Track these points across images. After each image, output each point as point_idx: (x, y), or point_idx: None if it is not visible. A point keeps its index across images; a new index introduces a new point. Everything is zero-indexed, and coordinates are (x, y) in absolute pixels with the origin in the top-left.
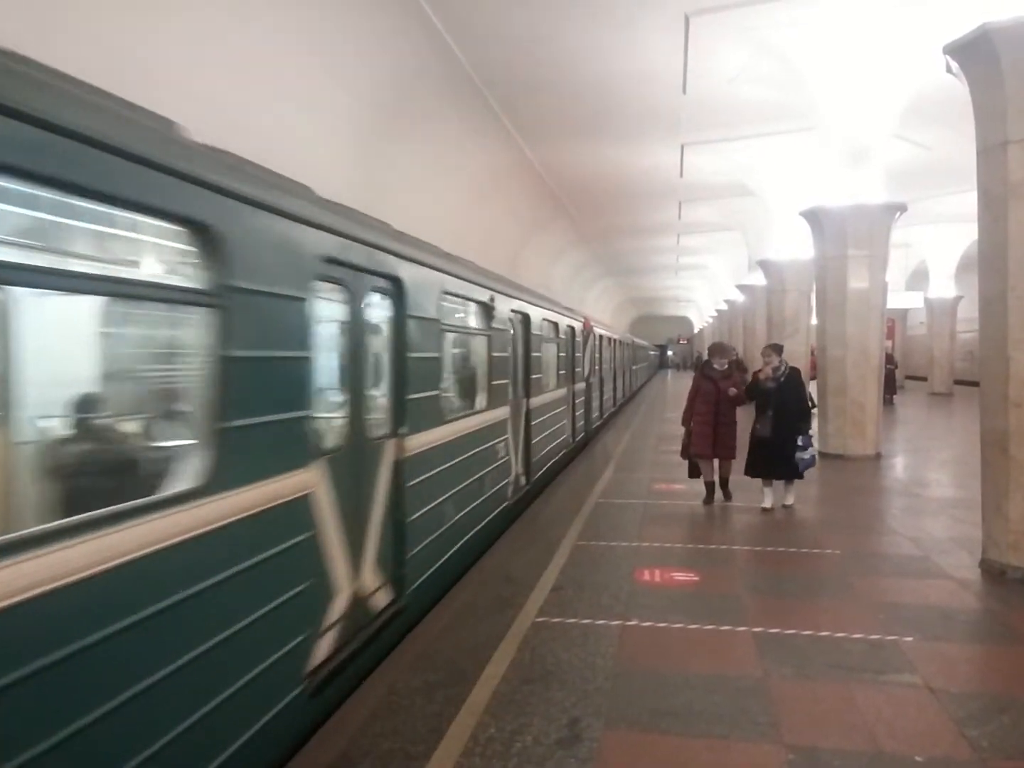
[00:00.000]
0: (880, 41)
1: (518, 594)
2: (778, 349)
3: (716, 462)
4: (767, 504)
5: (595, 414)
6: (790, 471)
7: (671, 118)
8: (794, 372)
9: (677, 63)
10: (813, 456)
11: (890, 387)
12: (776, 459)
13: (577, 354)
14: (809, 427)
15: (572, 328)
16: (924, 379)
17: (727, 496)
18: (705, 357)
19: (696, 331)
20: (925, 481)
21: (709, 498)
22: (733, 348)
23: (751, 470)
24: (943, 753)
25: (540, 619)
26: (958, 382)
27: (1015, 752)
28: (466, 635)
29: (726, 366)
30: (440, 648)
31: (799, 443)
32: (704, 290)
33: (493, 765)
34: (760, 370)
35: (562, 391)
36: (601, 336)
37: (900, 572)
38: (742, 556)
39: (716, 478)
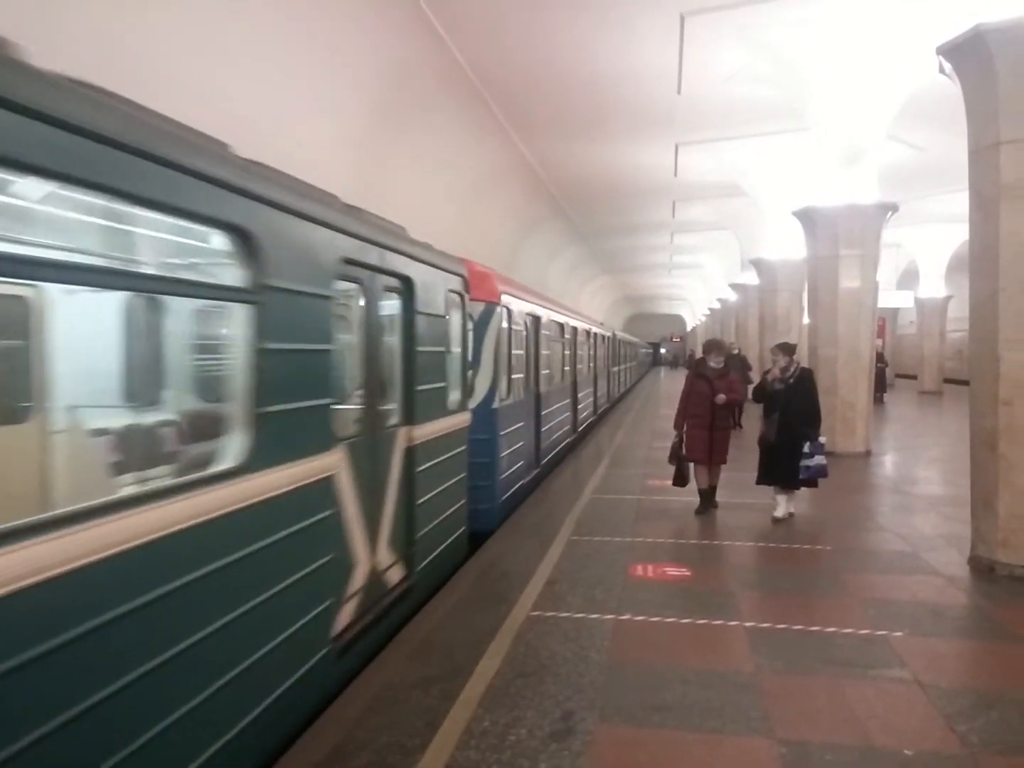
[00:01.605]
0: (874, 42)
1: (512, 588)
2: (788, 349)
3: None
4: (779, 514)
5: (516, 465)
6: (791, 477)
7: (666, 117)
8: (805, 373)
9: (672, 63)
10: (822, 465)
11: (880, 385)
12: (780, 464)
13: (443, 351)
14: (818, 433)
15: (408, 284)
16: (914, 377)
17: (712, 503)
18: (699, 355)
19: (689, 329)
20: (914, 478)
21: (703, 507)
22: (732, 344)
23: (762, 477)
24: (932, 747)
25: (534, 613)
26: (947, 381)
27: (1004, 747)
28: (461, 629)
29: (722, 364)
30: (435, 642)
31: (805, 450)
32: (697, 289)
33: (487, 758)
34: (769, 370)
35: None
36: (537, 320)
37: (890, 568)
38: (734, 551)
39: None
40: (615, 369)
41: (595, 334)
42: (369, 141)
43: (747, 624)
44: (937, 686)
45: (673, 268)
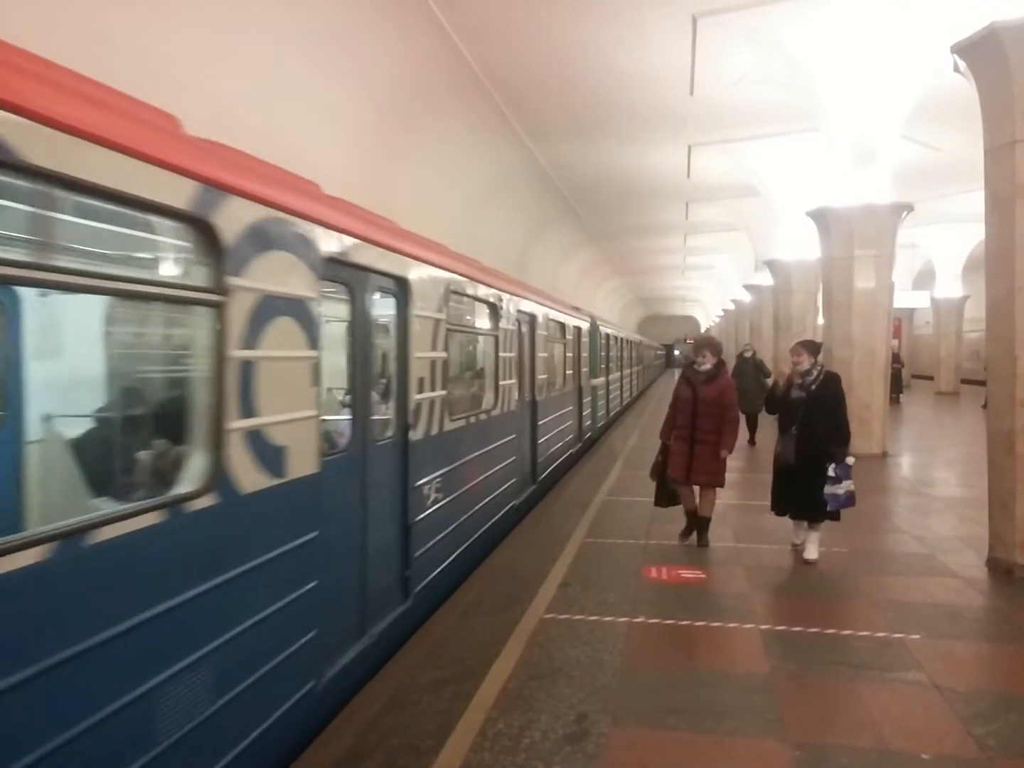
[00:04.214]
0: (887, 41)
1: (526, 591)
2: (812, 348)
3: (697, 489)
4: (810, 556)
5: None
6: (815, 508)
7: (678, 119)
8: (831, 379)
9: (684, 64)
10: (850, 493)
11: (896, 386)
12: (800, 491)
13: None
14: (846, 453)
15: (533, 318)
16: (930, 378)
17: (702, 540)
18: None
19: (703, 331)
20: (931, 480)
21: (687, 531)
22: (747, 345)
23: (777, 504)
24: (949, 751)
25: (548, 615)
26: (964, 381)
27: (1022, 751)
28: (474, 631)
29: (710, 367)
30: (448, 645)
31: (830, 473)
32: (711, 290)
33: (501, 760)
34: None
35: None
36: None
37: (907, 571)
38: (749, 553)
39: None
40: (598, 382)
41: (531, 318)
42: (378, 142)
43: (762, 627)
44: (954, 689)
45: (687, 269)
